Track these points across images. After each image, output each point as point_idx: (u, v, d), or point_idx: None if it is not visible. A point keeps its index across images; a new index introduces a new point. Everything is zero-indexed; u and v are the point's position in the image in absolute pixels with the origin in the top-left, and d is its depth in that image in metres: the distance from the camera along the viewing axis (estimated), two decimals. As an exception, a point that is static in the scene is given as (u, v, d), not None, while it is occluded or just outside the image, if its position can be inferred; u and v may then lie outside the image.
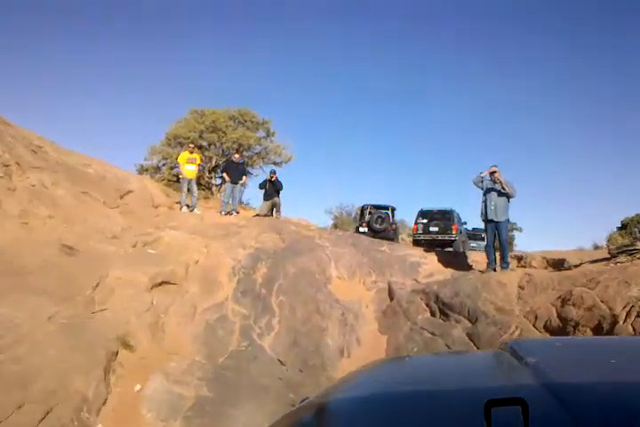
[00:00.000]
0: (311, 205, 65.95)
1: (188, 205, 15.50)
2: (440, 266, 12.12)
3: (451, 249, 20.21)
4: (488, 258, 10.90)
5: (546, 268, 10.59)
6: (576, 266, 9.36)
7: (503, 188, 10.60)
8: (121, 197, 12.96)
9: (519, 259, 11.59)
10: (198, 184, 21.11)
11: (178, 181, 17.10)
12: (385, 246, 13.03)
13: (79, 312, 6.15)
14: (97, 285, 6.95)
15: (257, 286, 9.20)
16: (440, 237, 20.82)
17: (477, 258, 12.54)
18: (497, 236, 10.70)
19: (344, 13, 77.59)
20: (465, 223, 24.24)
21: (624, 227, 33.28)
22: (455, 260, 12.51)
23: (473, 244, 29.48)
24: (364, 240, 13.60)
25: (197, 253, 9.32)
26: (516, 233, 48.64)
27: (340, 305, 9.83)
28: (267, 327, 8.10)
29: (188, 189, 15.56)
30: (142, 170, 20.23)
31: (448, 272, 11.62)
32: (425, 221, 21.44)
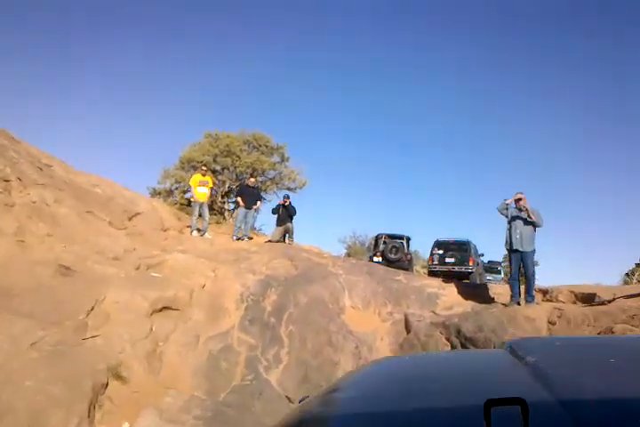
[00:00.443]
0: (324, 232, 64.95)
1: (199, 229, 14.96)
2: (460, 298, 11.39)
3: (467, 282, 19.50)
4: (512, 290, 10.18)
5: (574, 302, 9.83)
6: (610, 301, 8.60)
7: (529, 216, 9.95)
8: (129, 219, 12.45)
9: (544, 293, 10.84)
10: (211, 209, 20.70)
11: (190, 204, 16.59)
12: (401, 276, 12.33)
13: (68, 338, 5.53)
14: (92, 309, 6.35)
15: (266, 315, 8.54)
16: (456, 269, 20.15)
17: (499, 290, 11.78)
18: (522, 267, 10.01)
19: (361, 30, 77.67)
20: (482, 255, 23.52)
21: (645, 263, 32.43)
22: (475, 292, 11.77)
23: (489, 277, 28.61)
24: (380, 269, 12.91)
25: (204, 278, 8.71)
26: (531, 267, 47.72)
27: (353, 337, 9.13)
28: (275, 359, 7.41)
29: (200, 213, 15.06)
30: (155, 193, 19.79)
31: (468, 305, 10.88)
32: (441, 251, 20.80)
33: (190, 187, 15.34)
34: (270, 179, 20.34)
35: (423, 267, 31.48)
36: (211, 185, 15.36)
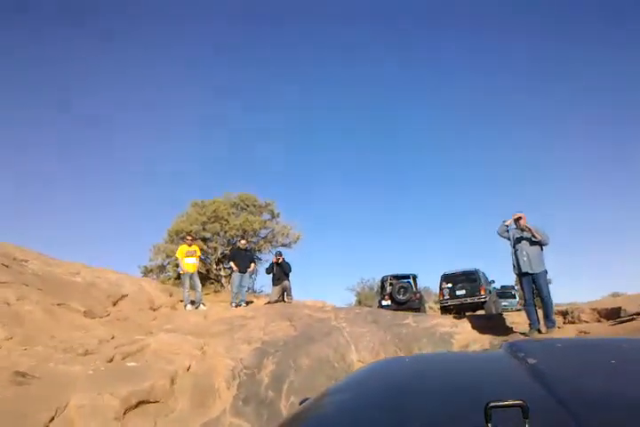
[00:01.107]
0: (330, 284, 63.82)
1: (192, 302, 14.11)
2: (475, 333, 10.38)
3: (482, 311, 18.53)
4: (529, 318, 9.24)
5: (599, 320, 8.86)
6: (638, 313, 7.65)
7: (534, 235, 9.13)
8: (113, 304, 11.63)
9: (564, 314, 9.86)
10: (206, 277, 19.92)
11: (179, 277, 15.79)
12: (409, 319, 11.35)
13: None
14: (51, 419, 5.44)
15: (262, 389, 7.58)
16: (469, 301, 19.30)
17: (516, 319, 10.80)
18: (535, 290, 9.10)
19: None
20: (493, 282, 22.56)
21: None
22: (490, 324, 10.77)
23: (504, 302, 27.46)
24: (386, 315, 11.94)
25: (189, 358, 7.80)
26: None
27: (366, 397, 8.12)
28: (275, 443, 6.42)
29: (191, 285, 14.25)
30: (147, 271, 19.06)
31: (486, 339, 9.88)
32: (450, 285, 19.98)
33: (177, 259, 14.57)
34: (263, 238, 19.66)
35: (436, 303, 30.41)
36: (199, 254, 14.62)
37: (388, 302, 19.73)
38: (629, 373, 1.24)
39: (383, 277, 21.44)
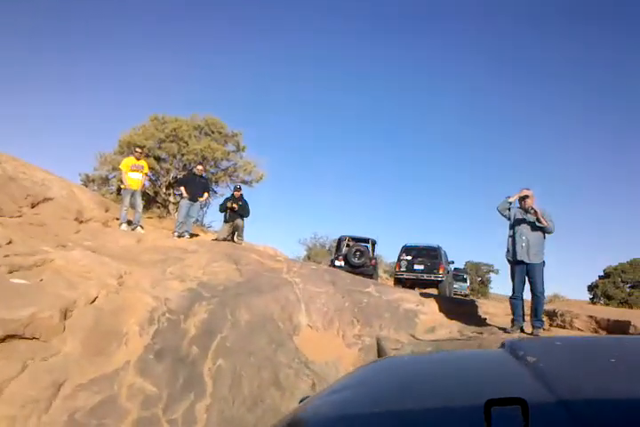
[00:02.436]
0: (282, 233, 60.86)
1: (129, 222, 12.11)
2: (443, 317, 8.88)
3: (434, 291, 17.58)
4: (513, 312, 7.73)
5: (596, 332, 7.41)
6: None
7: (539, 220, 7.48)
8: (32, 206, 9.54)
9: (550, 315, 8.39)
10: (154, 201, 17.80)
11: (120, 193, 13.65)
12: (372, 287, 9.73)
13: None
14: None
15: (185, 343, 5.78)
16: (425, 277, 18.16)
17: (491, 310, 9.34)
18: (528, 283, 7.57)
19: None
20: (452, 262, 21.39)
21: (607, 276, 30.85)
22: (461, 310, 9.27)
23: (455, 285, 26.57)
24: (346, 278, 10.27)
25: (99, 287, 5.91)
26: (492, 275, 45.98)
27: (309, 371, 6.51)
28: (185, 420, 4.66)
29: (131, 203, 12.22)
30: (88, 180, 16.74)
31: (454, 326, 8.41)
32: (409, 258, 18.74)
33: (121, 172, 12.42)
34: (223, 170, 17.51)
35: (385, 272, 29.28)
36: (146, 171, 12.48)
37: (341, 264, 18.41)
38: (629, 371, 1.18)
39: (340, 237, 19.95)
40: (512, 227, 7.79)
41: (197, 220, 17.94)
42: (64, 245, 7.66)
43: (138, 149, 12.32)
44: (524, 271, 7.55)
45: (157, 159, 16.67)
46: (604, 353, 1.40)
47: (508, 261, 7.83)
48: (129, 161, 12.17)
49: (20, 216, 8.71)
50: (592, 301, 28.40)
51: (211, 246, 10.83)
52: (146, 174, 12.71)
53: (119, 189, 13.80)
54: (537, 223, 7.53)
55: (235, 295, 7.70)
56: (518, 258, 7.54)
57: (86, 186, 16.60)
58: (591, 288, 30.58)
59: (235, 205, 12.47)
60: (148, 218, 16.33)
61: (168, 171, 16.40)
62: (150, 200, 17.86)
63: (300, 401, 1.64)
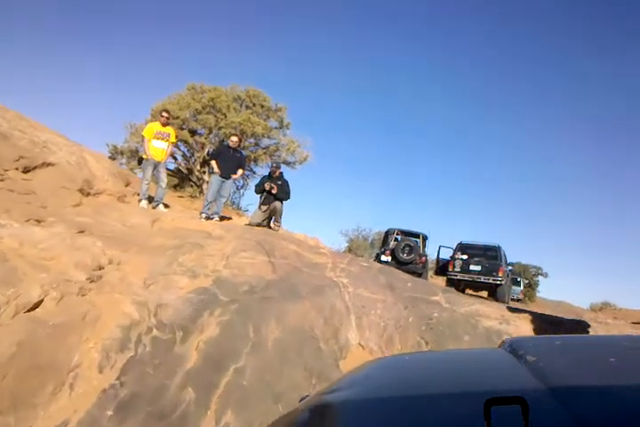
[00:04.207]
0: (322, 221, 57.83)
1: (151, 198, 10.09)
2: (535, 341, 6.46)
3: (484, 294, 15.58)
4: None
5: None
6: None
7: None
8: (25, 171, 7.54)
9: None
10: (187, 179, 15.79)
11: (140, 163, 11.58)
12: (440, 295, 7.37)
13: None
14: None
15: (175, 382, 3.58)
16: (483, 279, 15.85)
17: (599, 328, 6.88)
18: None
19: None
20: (511, 264, 18.84)
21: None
22: (560, 332, 6.84)
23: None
24: (406, 280, 7.91)
25: (51, 285, 3.74)
26: (540, 278, 42.70)
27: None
28: None
29: (155, 176, 10.18)
30: (116, 152, 14.80)
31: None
32: (465, 257, 16.37)
33: (143, 139, 10.32)
34: (263, 148, 15.31)
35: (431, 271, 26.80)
36: (172, 139, 10.35)
37: (388, 259, 16.21)
38: (629, 371, 1.16)
39: (389, 230, 17.67)
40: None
41: (233, 202, 15.87)
42: (41, 219, 5.57)
43: (164, 114, 10.17)
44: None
45: (192, 133, 14.61)
46: (604, 352, 1.36)
47: None
48: (153, 127, 10.07)
49: (1, 180, 6.69)
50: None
51: (241, 232, 8.65)
52: (173, 144, 10.61)
53: (140, 160, 11.74)
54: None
55: (262, 300, 5.49)
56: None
57: (114, 158, 14.69)
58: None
59: (274, 187, 10.25)
60: (179, 197, 14.33)
61: (203, 146, 14.31)
62: (183, 178, 15.88)
63: (301, 400, 1.46)
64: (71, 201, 7.56)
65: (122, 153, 14.77)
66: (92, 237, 5.48)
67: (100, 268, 4.49)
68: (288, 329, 5.05)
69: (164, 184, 10.17)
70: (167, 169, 16.34)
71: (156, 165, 9.99)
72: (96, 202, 8.39)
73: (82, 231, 5.76)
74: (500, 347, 1.55)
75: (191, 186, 15.26)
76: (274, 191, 10.23)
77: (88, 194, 8.49)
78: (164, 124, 10.13)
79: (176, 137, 10.73)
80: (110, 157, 14.83)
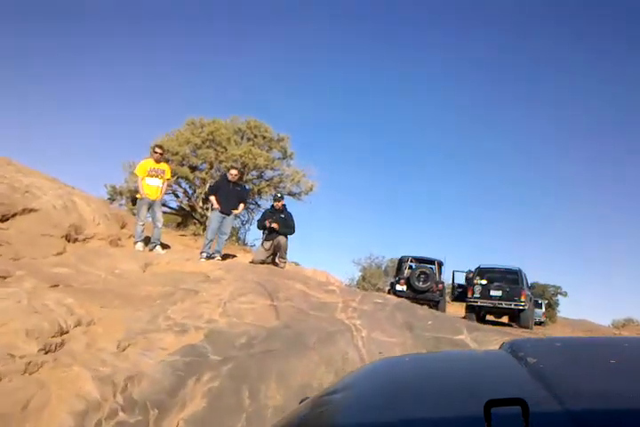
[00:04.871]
0: (333, 251, 56.36)
1: (147, 240, 9.41)
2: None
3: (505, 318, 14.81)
4: None
5: None
6: None
7: None
8: (2, 219, 6.87)
9: None
10: (189, 216, 15.13)
11: (134, 203, 10.88)
12: (464, 333, 6.50)
13: None
14: None
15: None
16: (505, 305, 15.01)
17: None
18: None
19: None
20: (533, 287, 17.85)
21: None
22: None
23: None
24: (425, 317, 7.02)
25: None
26: (560, 297, 41.24)
27: None
28: None
29: (151, 216, 9.53)
30: (115, 193, 14.20)
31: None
32: (484, 282, 15.56)
33: (137, 178, 9.68)
34: (267, 180, 14.65)
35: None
36: (168, 176, 9.72)
37: (403, 288, 15.42)
38: (630, 372, 1.14)
39: (402, 258, 16.86)
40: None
41: (239, 237, 15.15)
42: (8, 275, 4.84)
43: (157, 150, 9.54)
44: None
45: (193, 169, 14.01)
46: (605, 354, 1.32)
47: None
48: (146, 164, 9.43)
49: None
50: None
51: (242, 272, 7.88)
52: (169, 180, 9.97)
53: (134, 200, 11.08)
54: None
55: (262, 355, 4.69)
56: None
57: (113, 200, 14.09)
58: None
59: (275, 225, 9.51)
60: (181, 236, 13.64)
61: (204, 181, 13.68)
62: (186, 216, 15.22)
63: (301, 401, 1.44)
64: (53, 249, 6.86)
65: (121, 193, 14.17)
66: (64, 292, 4.75)
67: (63, 333, 3.74)
68: (292, 391, 4.22)
69: (160, 224, 9.48)
70: (169, 207, 15.89)
71: (150, 204, 9.33)
72: (84, 248, 7.70)
73: (55, 285, 5.04)
74: (500, 348, 1.53)
75: (194, 223, 14.59)
76: (275, 227, 9.50)
77: (75, 240, 7.81)
78: (158, 161, 9.52)
79: (171, 173, 10.08)
80: (109, 199, 14.26)
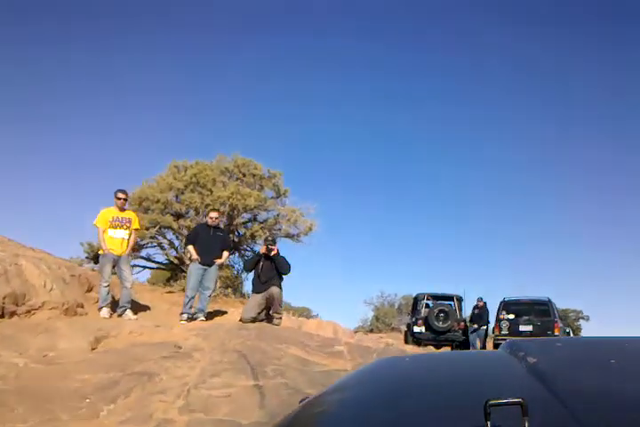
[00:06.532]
0: (342, 295, 53.18)
1: (116, 304, 7.73)
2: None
3: None
4: None
5: None
6: None
7: None
8: None
9: None
10: (178, 269, 13.41)
11: (97, 261, 9.08)
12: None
13: None
14: None
15: None
16: None
17: None
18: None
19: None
20: (563, 318, 15.92)
21: None
22: None
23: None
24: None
25: None
26: (582, 322, 38.76)
27: None
28: None
29: (117, 275, 7.89)
30: (93, 250, 12.49)
31: None
32: (511, 316, 13.73)
33: (97, 230, 7.98)
34: (261, 222, 12.99)
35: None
36: (135, 226, 8.08)
37: (422, 330, 13.72)
38: (630, 372, 1.10)
39: (418, 295, 15.09)
40: None
41: (234, 290, 13.34)
42: None
43: (120, 195, 7.87)
44: None
45: (178, 216, 12.41)
46: (605, 354, 1.28)
47: None
48: (107, 213, 7.80)
49: None
50: None
51: (223, 338, 6.10)
52: (136, 231, 8.30)
53: (96, 257, 9.38)
54: None
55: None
56: None
57: (91, 259, 12.43)
58: None
59: (273, 248, 7.90)
60: (168, 293, 11.91)
61: (189, 229, 12.04)
62: (175, 269, 13.50)
63: (300, 402, 1.35)
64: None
65: (99, 249, 12.53)
66: None
67: None
68: None
69: (129, 284, 7.82)
70: (156, 262, 14.17)
71: (116, 261, 7.67)
72: (19, 324, 5.96)
73: None
74: (500, 348, 1.47)
75: (183, 277, 12.84)
76: (272, 250, 7.85)
77: (13, 314, 6.08)
78: (122, 209, 7.90)
79: (139, 223, 8.41)
80: (87, 257, 12.61)
